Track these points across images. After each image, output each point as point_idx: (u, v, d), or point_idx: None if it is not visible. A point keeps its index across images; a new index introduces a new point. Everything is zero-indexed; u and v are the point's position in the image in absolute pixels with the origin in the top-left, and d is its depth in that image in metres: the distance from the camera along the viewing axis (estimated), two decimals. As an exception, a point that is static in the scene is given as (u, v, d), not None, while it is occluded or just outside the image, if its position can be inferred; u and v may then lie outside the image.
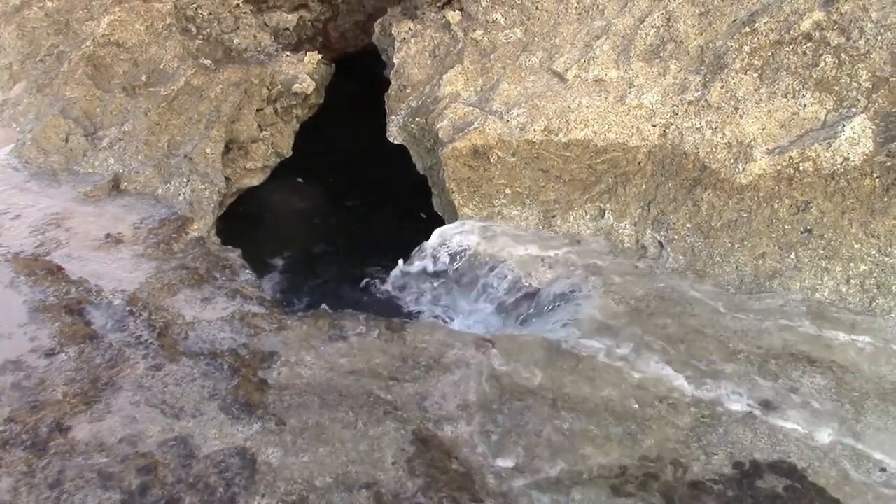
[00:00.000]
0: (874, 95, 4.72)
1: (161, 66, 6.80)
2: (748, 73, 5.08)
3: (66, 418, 3.62)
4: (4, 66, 7.19)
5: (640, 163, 5.34)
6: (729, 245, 4.97)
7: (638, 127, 5.32)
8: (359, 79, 7.89)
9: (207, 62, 6.84)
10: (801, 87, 4.93)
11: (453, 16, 6.24)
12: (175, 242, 5.28)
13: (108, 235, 5.24)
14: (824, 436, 3.79)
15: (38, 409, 3.66)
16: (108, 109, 6.54)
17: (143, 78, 6.71)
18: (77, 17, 7.22)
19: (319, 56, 7.15)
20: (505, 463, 3.59)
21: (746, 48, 5.09)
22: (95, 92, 6.58)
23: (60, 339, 4.15)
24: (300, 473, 3.42)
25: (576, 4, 5.75)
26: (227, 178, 6.36)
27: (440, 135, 5.65)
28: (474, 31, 6.06)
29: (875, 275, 4.60)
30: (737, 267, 4.92)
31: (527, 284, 5.29)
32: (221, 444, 3.55)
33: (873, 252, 4.63)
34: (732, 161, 5.00)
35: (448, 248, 5.51)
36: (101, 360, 4.03)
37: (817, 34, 4.92)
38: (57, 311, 4.37)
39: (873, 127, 4.67)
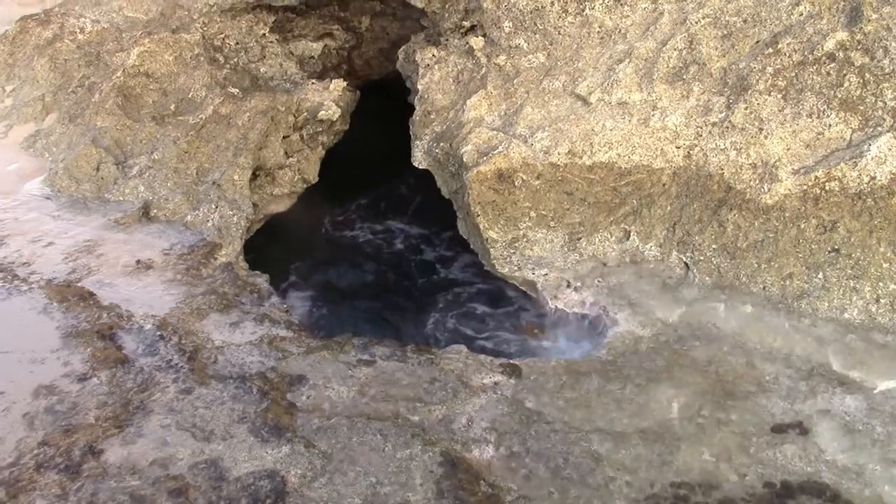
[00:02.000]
0: (900, 114, 4.71)
1: (189, 96, 6.93)
2: (772, 93, 5.08)
3: (98, 441, 3.67)
4: (37, 97, 7.35)
5: (664, 184, 5.35)
6: (755, 266, 4.95)
7: (662, 149, 5.33)
8: (383, 105, 7.97)
9: (235, 91, 6.95)
10: (825, 107, 4.92)
11: (476, 42, 6.30)
12: (204, 268, 5.35)
13: (138, 262, 5.32)
14: (857, 456, 3.75)
15: (72, 433, 3.72)
16: (138, 138, 6.65)
17: (172, 107, 6.84)
18: (107, 49, 7.37)
19: (345, 83, 7.25)
20: (532, 485, 3.59)
21: (770, 69, 5.09)
22: (125, 121, 6.71)
23: (92, 364, 4.21)
24: (329, 495, 3.44)
25: (598, 29, 5.79)
26: (255, 205, 6.44)
27: (465, 159, 5.69)
28: (497, 56, 6.12)
29: (905, 294, 4.57)
30: (764, 287, 4.90)
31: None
32: (251, 466, 3.57)
33: (902, 271, 4.60)
34: (758, 181, 4.99)
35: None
36: (132, 384, 4.08)
37: (841, 54, 4.92)
38: (89, 336, 4.44)
39: (900, 146, 4.65)
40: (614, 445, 3.82)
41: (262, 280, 5.41)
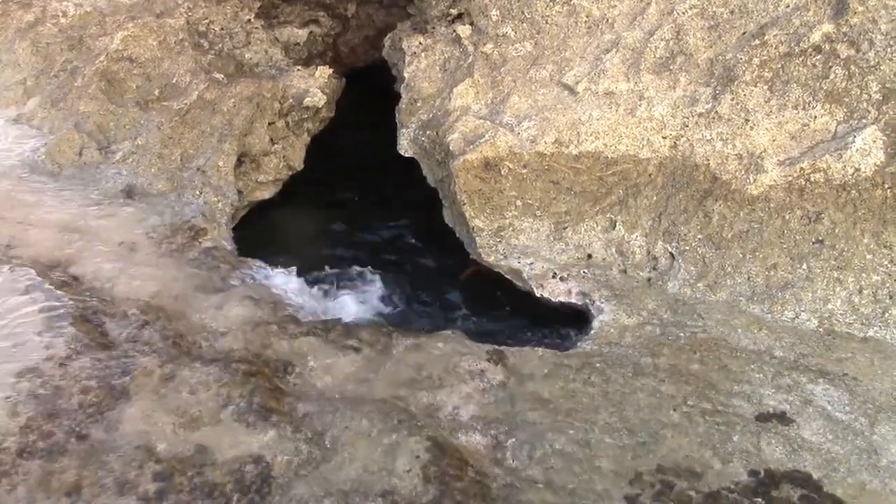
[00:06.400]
0: (884, 107, 4.74)
1: (174, 81, 6.87)
2: (758, 85, 5.11)
3: (82, 426, 3.64)
4: (19, 81, 7.25)
5: (650, 174, 5.36)
6: (740, 256, 4.98)
7: (648, 139, 5.34)
8: (369, 93, 7.94)
9: (220, 76, 6.90)
10: (811, 98, 4.95)
11: (463, 30, 6.29)
12: (189, 252, 5.31)
13: (121, 245, 5.27)
14: (839, 446, 3.78)
15: (55, 417, 3.68)
16: (122, 123, 6.59)
17: (156, 92, 6.78)
18: (90, 33, 7.28)
19: (330, 70, 7.21)
20: (518, 473, 3.59)
21: (756, 60, 5.12)
22: (109, 106, 6.64)
23: (76, 348, 4.17)
24: (315, 481, 3.43)
25: (585, 18, 5.79)
26: (240, 192, 6.40)
27: (451, 147, 5.68)
28: (484, 44, 6.11)
29: (888, 285, 4.60)
30: (748, 278, 4.93)
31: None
32: (237, 451, 3.56)
33: (885, 262, 4.63)
34: (743, 172, 5.01)
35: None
36: (116, 368, 4.05)
37: (827, 46, 4.95)
38: (72, 320, 4.39)
39: (884, 138, 4.69)
40: (600, 434, 3.83)
41: (247, 264, 5.38)
